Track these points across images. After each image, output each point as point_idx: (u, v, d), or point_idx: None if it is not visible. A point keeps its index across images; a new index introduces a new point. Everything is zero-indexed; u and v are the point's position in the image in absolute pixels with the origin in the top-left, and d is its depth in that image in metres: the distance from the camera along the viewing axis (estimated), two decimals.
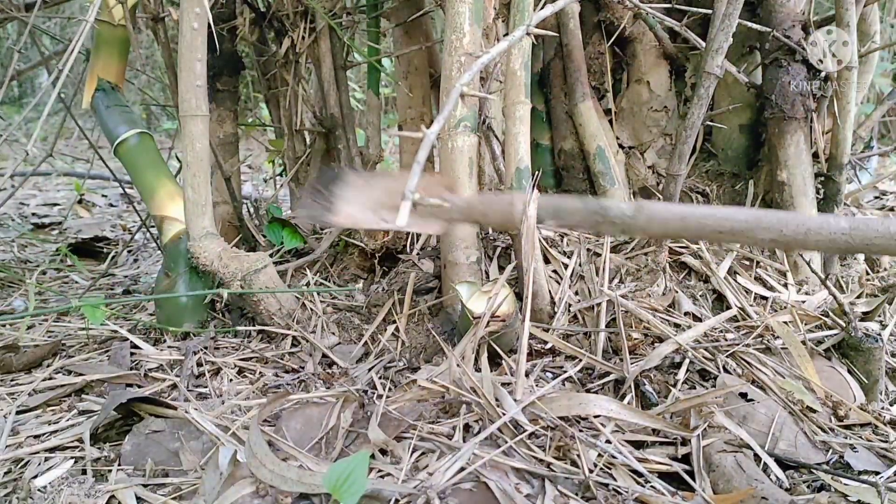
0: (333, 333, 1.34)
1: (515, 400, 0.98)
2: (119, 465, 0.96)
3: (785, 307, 1.32)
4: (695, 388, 1.10)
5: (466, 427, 0.98)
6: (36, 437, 1.04)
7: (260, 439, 0.89)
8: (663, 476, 0.90)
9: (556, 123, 1.64)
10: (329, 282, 1.57)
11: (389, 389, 1.14)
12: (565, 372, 1.14)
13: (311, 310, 1.39)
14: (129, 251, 2.32)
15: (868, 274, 1.55)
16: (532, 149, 1.35)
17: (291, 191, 2.04)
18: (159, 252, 1.93)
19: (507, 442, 0.91)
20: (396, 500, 0.81)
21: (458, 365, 1.06)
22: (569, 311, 1.30)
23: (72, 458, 0.98)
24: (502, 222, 0.85)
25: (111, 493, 0.89)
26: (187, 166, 1.32)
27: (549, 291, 1.30)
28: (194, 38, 1.27)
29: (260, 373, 1.23)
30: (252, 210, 1.86)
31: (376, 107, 2.00)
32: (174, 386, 1.19)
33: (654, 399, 1.05)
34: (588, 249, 1.43)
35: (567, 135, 1.62)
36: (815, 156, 1.46)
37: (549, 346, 1.20)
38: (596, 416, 0.98)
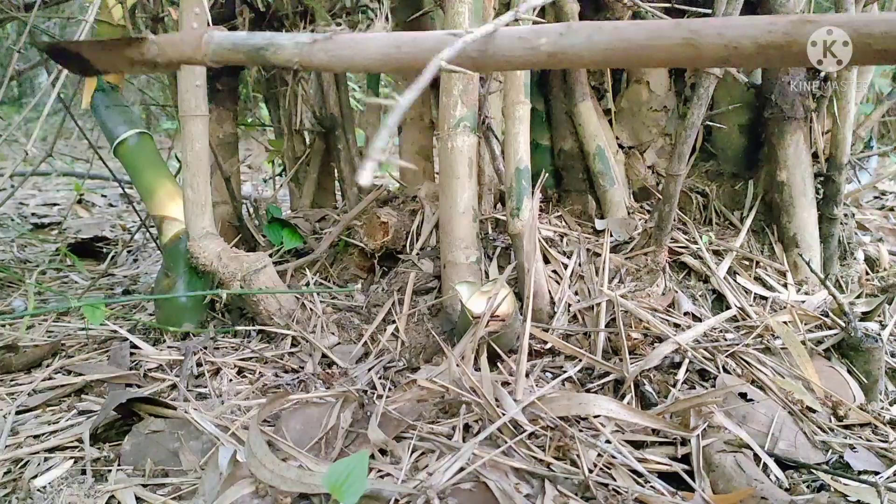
0: (333, 333, 1.34)
1: (515, 400, 0.98)
2: (118, 465, 0.96)
3: (784, 307, 1.32)
4: (694, 388, 1.10)
5: (466, 427, 0.98)
6: (35, 437, 1.04)
7: (259, 439, 0.89)
8: (663, 476, 0.90)
9: (556, 123, 1.64)
10: (329, 282, 1.57)
11: (389, 389, 1.14)
12: (565, 372, 1.14)
13: (311, 310, 1.39)
14: (128, 251, 2.32)
15: (868, 274, 1.55)
16: (532, 149, 1.35)
17: (291, 191, 2.04)
18: (159, 252, 1.93)
19: (506, 442, 0.91)
20: (396, 500, 0.81)
21: (457, 365, 1.06)
22: (568, 311, 1.30)
23: (71, 458, 0.98)
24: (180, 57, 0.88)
25: (111, 494, 0.89)
26: (187, 166, 1.32)
27: (549, 291, 1.30)
28: None
29: (259, 373, 1.23)
30: (251, 210, 1.86)
31: (376, 107, 2.00)
32: (174, 386, 1.19)
33: (654, 399, 1.05)
34: (588, 249, 1.43)
35: (567, 135, 1.62)
36: (815, 156, 1.46)
37: (548, 346, 1.20)
38: (596, 416, 0.98)
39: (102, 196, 3.52)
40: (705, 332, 1.22)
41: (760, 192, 1.52)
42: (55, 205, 3.29)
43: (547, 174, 1.61)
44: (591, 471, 0.87)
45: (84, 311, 1.23)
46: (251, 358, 1.29)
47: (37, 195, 3.54)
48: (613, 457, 0.90)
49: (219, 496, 0.84)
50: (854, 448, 0.98)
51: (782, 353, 1.18)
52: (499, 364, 1.16)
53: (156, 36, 0.87)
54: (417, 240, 1.50)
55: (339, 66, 0.81)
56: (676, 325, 1.25)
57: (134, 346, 1.33)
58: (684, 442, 0.95)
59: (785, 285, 1.40)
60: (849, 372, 1.18)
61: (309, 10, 1.75)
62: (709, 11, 1.40)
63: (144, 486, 0.91)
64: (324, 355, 1.28)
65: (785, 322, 1.26)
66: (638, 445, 0.96)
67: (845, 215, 1.51)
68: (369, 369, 1.22)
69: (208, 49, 0.87)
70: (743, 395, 1.04)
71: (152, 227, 1.89)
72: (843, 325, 1.22)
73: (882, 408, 1.13)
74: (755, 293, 1.37)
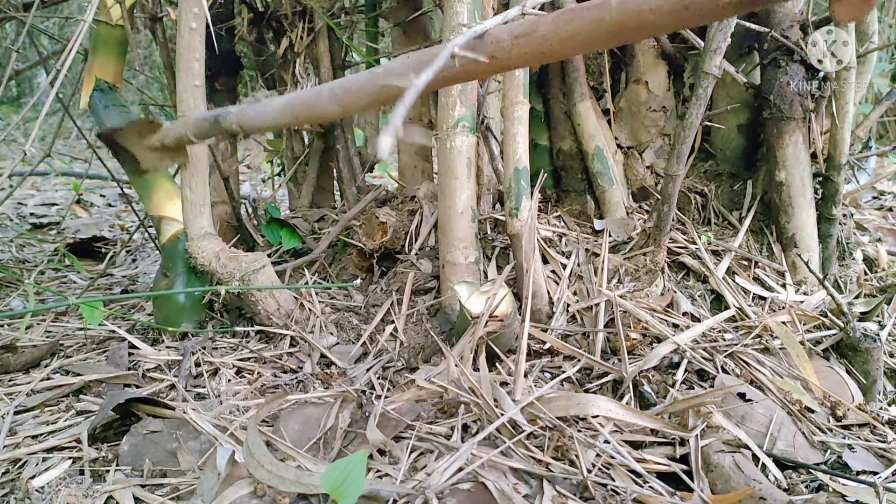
0: (332, 333, 1.34)
1: (514, 400, 0.98)
2: (117, 465, 0.96)
3: (783, 307, 1.32)
4: (693, 388, 1.10)
5: (465, 427, 0.98)
6: (34, 437, 1.04)
7: (258, 439, 0.88)
8: (661, 476, 0.90)
9: (555, 123, 1.64)
10: (328, 282, 1.56)
11: (388, 389, 1.14)
12: (564, 372, 1.14)
13: (310, 310, 1.39)
14: (127, 251, 2.32)
15: (866, 274, 1.55)
16: (530, 149, 1.35)
17: (290, 191, 2.04)
18: (157, 252, 1.93)
19: (505, 442, 0.91)
20: (394, 501, 0.81)
21: (456, 365, 1.06)
22: (567, 311, 1.30)
23: (70, 458, 0.98)
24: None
25: (109, 494, 0.89)
26: (185, 166, 1.32)
27: (548, 291, 1.30)
28: (192, 37, 1.27)
29: (258, 373, 1.23)
30: (250, 210, 1.86)
31: None
32: (172, 386, 1.19)
33: (653, 399, 1.05)
34: (587, 250, 1.43)
35: (565, 135, 1.62)
36: (814, 156, 1.47)
37: (547, 346, 1.20)
38: (594, 417, 0.98)
39: (101, 196, 3.52)
40: (704, 333, 1.22)
41: (759, 193, 1.52)
42: (54, 205, 3.29)
43: (546, 174, 1.62)
44: (589, 471, 0.87)
45: (82, 311, 1.23)
46: (250, 358, 1.29)
47: (35, 195, 3.53)
48: (612, 457, 0.90)
49: (217, 496, 0.84)
50: (852, 448, 0.98)
51: (781, 354, 1.18)
52: (497, 364, 1.16)
53: (167, 122, 1.23)
54: (416, 240, 1.50)
55: (261, 123, 1.05)
56: (675, 326, 1.25)
57: (132, 347, 1.32)
58: (683, 442, 0.95)
59: (783, 285, 1.40)
60: (847, 372, 1.18)
61: (308, 10, 1.75)
62: None
63: (143, 486, 0.91)
64: (322, 355, 1.28)
65: (783, 322, 1.26)
66: (636, 445, 0.96)
67: (844, 215, 1.51)
68: (368, 369, 1.22)
69: (190, 128, 1.18)
70: (741, 396, 1.04)
71: (151, 227, 1.88)
72: (842, 325, 1.22)
73: (881, 408, 1.13)
74: (754, 293, 1.37)
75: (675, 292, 1.33)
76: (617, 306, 1.23)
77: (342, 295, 1.49)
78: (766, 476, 0.90)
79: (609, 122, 1.65)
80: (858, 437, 1.01)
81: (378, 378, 1.19)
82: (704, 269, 1.39)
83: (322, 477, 0.79)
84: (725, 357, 1.15)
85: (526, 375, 1.11)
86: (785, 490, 0.89)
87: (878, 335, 1.20)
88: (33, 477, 0.93)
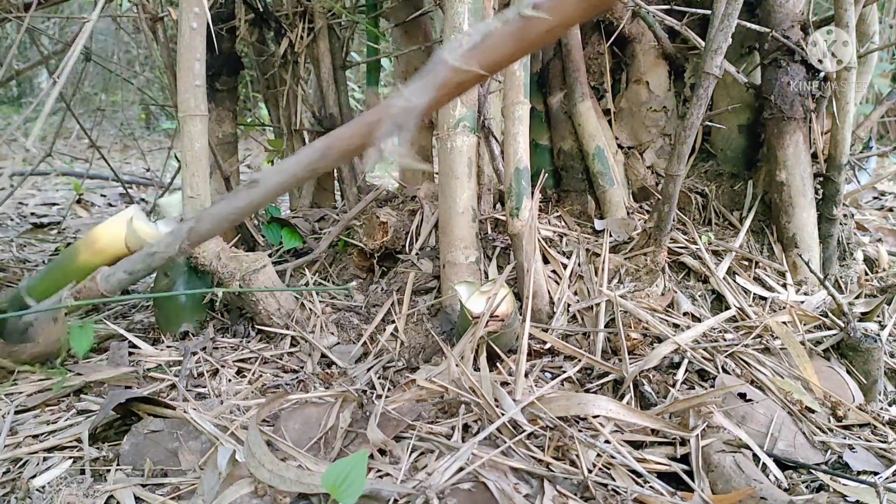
0: (332, 333, 1.34)
1: (514, 400, 0.98)
2: (117, 464, 0.96)
3: (784, 307, 1.32)
4: (694, 388, 1.10)
5: (465, 427, 0.98)
6: (34, 436, 1.04)
7: (259, 439, 0.88)
8: (662, 476, 0.90)
9: (555, 123, 1.64)
10: (328, 282, 1.56)
11: (388, 389, 1.14)
12: (564, 372, 1.14)
13: (310, 310, 1.39)
14: None
15: (867, 274, 1.55)
16: (531, 149, 1.35)
17: (290, 190, 2.04)
18: None
19: (505, 442, 0.91)
20: (395, 500, 0.81)
21: (456, 365, 1.06)
22: (568, 311, 1.30)
23: (70, 457, 0.98)
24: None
25: (109, 493, 0.89)
26: (186, 166, 1.32)
27: (548, 291, 1.30)
28: (193, 37, 1.27)
29: (259, 373, 1.23)
30: None
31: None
32: (173, 386, 1.19)
33: (653, 399, 1.05)
34: (587, 249, 1.43)
35: (566, 135, 1.62)
36: (814, 156, 1.47)
37: (547, 346, 1.20)
38: (595, 417, 0.98)
39: (102, 196, 3.52)
40: (704, 333, 1.22)
41: (760, 193, 1.52)
42: (54, 204, 3.29)
43: (546, 174, 1.62)
44: (590, 471, 0.87)
45: (72, 336, 1.21)
46: (250, 358, 1.29)
47: (36, 195, 3.53)
48: (612, 457, 0.90)
49: (218, 496, 0.84)
50: (853, 448, 0.98)
51: (781, 354, 1.18)
52: (498, 364, 1.16)
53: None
54: (417, 240, 1.50)
55: (211, 227, 1.01)
56: (676, 326, 1.25)
57: (133, 346, 1.32)
58: (683, 442, 0.95)
59: (784, 285, 1.40)
60: (848, 372, 1.18)
61: (308, 10, 1.75)
62: (708, 12, 1.40)
63: (143, 485, 0.91)
64: (323, 355, 1.28)
65: (784, 322, 1.26)
66: (637, 445, 0.96)
67: (844, 216, 1.51)
68: (368, 369, 1.22)
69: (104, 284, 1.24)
70: (742, 396, 1.04)
71: None
72: (843, 325, 1.22)
73: (881, 408, 1.13)
74: (754, 293, 1.37)
75: (676, 292, 1.33)
76: (617, 306, 1.23)
77: (343, 295, 1.49)
78: (767, 476, 0.90)
79: (610, 122, 1.65)
80: (859, 438, 1.01)
81: (379, 378, 1.19)
82: (705, 269, 1.39)
83: (322, 477, 0.79)
84: (726, 357, 1.15)
85: (526, 375, 1.11)
86: (785, 490, 0.89)
87: (878, 335, 1.20)
88: (34, 476, 0.93)
